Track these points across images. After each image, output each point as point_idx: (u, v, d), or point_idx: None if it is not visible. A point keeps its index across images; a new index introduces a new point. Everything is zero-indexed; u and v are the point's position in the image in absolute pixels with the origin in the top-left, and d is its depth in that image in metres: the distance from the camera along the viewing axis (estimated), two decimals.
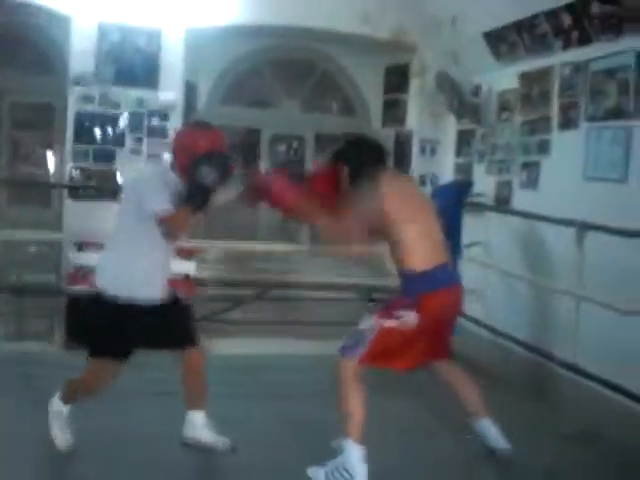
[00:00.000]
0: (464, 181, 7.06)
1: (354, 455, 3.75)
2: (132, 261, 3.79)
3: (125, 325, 3.82)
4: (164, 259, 3.94)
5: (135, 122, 7.14)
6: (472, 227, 6.46)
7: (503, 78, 6.69)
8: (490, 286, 6.46)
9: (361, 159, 4.10)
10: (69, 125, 7.12)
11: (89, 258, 6.73)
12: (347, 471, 3.73)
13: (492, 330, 6.11)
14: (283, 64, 8.53)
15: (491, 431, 4.21)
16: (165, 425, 4.34)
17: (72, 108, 7.10)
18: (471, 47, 6.86)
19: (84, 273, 6.65)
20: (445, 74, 7.18)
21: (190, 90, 7.66)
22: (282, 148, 8.93)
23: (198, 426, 4.06)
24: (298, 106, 8.73)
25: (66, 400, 3.99)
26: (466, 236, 6.24)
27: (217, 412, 4.19)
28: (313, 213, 4.02)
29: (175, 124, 7.13)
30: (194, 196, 3.68)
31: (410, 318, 3.84)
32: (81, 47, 7.01)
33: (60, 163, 7.78)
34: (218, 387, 4.33)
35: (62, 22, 7.07)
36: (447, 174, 7.60)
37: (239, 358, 6.25)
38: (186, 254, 6.68)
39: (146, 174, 3.99)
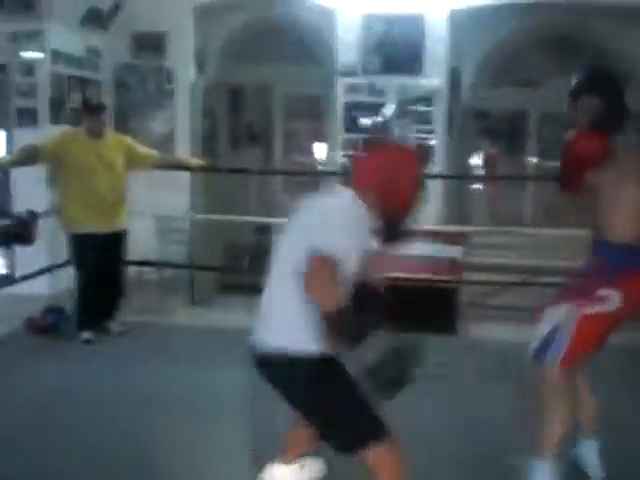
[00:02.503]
0: None
1: (544, 475, 3.31)
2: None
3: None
4: None
5: (401, 109, 7.25)
6: None
7: None
8: None
9: (622, 99, 3.41)
10: (338, 115, 7.39)
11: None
12: None
13: None
14: (550, 42, 8.22)
15: (593, 457, 3.55)
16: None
17: (340, 98, 7.36)
18: None
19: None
20: None
21: (454, 75, 7.65)
22: (550, 130, 8.65)
23: None
24: (568, 85, 8.38)
25: None
26: None
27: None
28: None
29: (439, 110, 7.18)
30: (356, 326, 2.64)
31: (614, 299, 3.23)
32: (346, 39, 7.26)
33: (331, 152, 8.09)
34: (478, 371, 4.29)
35: (327, 15, 7.35)
36: None
37: (498, 343, 6.19)
38: (452, 239, 6.70)
39: (338, 205, 2.72)
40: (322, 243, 2.54)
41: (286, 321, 2.67)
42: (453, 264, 6.63)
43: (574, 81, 3.60)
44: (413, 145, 2.70)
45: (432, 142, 7.28)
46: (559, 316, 3.31)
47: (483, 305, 7.11)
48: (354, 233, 2.64)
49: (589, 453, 3.56)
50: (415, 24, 7.19)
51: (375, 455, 2.65)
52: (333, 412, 2.67)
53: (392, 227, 2.77)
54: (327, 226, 2.60)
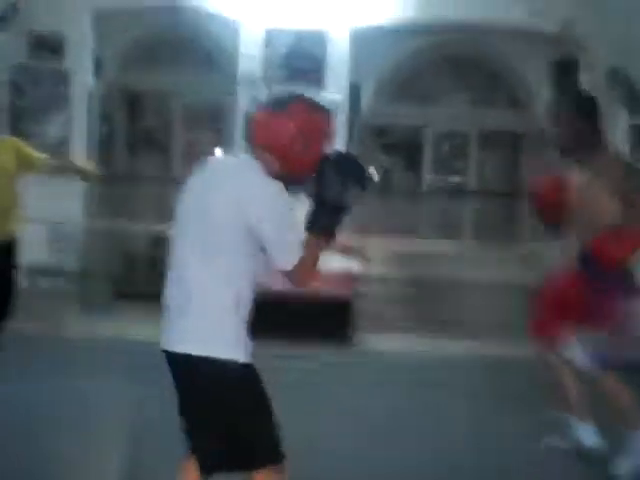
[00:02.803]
0: None
1: None
2: (244, 309, 2.56)
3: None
4: None
5: None
6: None
7: None
8: None
9: (597, 116, 3.85)
10: (238, 125, 7.38)
11: None
12: None
13: None
14: (449, 60, 8.45)
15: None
16: None
17: (241, 109, 7.36)
18: None
19: None
20: (617, 69, 6.90)
21: (354, 90, 7.74)
22: (446, 146, 8.86)
23: None
24: (464, 101, 8.62)
25: None
26: None
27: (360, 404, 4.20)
28: None
29: (339, 125, 7.25)
30: (329, 222, 2.55)
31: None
32: (249, 51, 7.26)
33: None
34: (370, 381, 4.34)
35: (231, 27, 7.34)
36: None
37: (394, 354, 6.32)
38: (347, 252, 6.78)
39: (271, 198, 2.49)
40: (284, 257, 2.47)
41: (213, 324, 2.49)
42: (349, 276, 6.71)
43: (559, 100, 4.18)
44: (322, 106, 2.61)
45: None
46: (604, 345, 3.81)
47: (380, 316, 7.22)
48: (289, 212, 2.49)
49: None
50: (318, 40, 7.26)
51: (266, 475, 2.53)
52: (245, 426, 2.51)
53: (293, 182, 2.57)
54: (275, 232, 2.45)
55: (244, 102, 7.32)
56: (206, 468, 2.56)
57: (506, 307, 7.19)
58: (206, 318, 2.49)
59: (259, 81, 7.26)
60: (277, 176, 2.51)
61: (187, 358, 2.49)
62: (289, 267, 2.47)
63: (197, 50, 8.14)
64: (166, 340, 2.56)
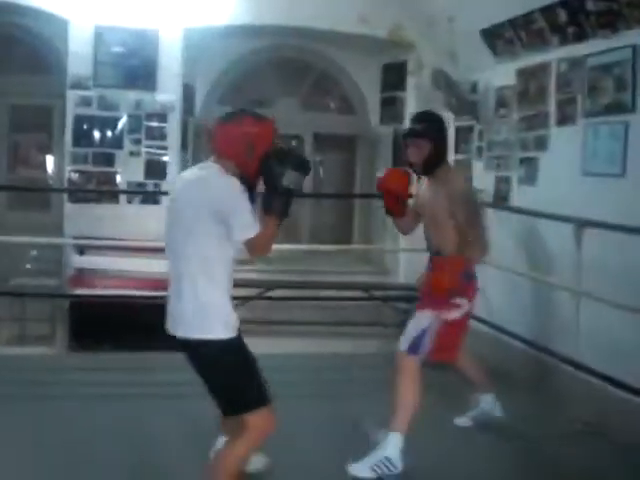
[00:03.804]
0: None
1: (396, 446, 3.87)
2: (226, 292, 3.25)
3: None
4: None
5: (133, 124, 7.17)
6: None
7: (500, 75, 6.67)
8: (491, 284, 6.42)
9: (444, 138, 4.28)
10: (68, 128, 7.15)
11: (90, 261, 6.78)
12: (390, 462, 3.86)
13: (494, 327, 6.10)
14: (281, 64, 8.53)
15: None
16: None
17: (70, 111, 7.13)
18: (468, 44, 6.85)
19: (86, 276, 6.68)
20: (442, 72, 7.17)
21: (188, 91, 7.67)
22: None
23: None
24: (296, 105, 8.72)
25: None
26: None
27: None
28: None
29: (173, 126, 7.17)
30: (280, 204, 3.25)
31: (465, 305, 4.09)
32: (78, 50, 7.05)
33: (59, 166, 7.79)
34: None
35: (59, 25, 7.08)
36: None
37: None
38: None
39: (227, 186, 3.16)
40: (243, 230, 3.13)
41: (203, 312, 3.15)
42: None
43: (409, 125, 4.44)
44: (268, 118, 3.40)
45: (165, 158, 7.25)
46: (426, 320, 4.04)
47: None
48: (244, 198, 3.15)
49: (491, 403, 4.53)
50: (149, 39, 7.14)
51: (255, 417, 3.19)
52: (232, 384, 3.21)
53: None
54: (233, 211, 3.11)
55: (74, 103, 7.10)
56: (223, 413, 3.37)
57: (343, 306, 7.34)
58: (199, 312, 3.16)
59: (89, 82, 7.06)
60: (235, 175, 3.19)
61: (188, 343, 3.23)
62: (249, 236, 3.13)
63: (25, 50, 7.78)
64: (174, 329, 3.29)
